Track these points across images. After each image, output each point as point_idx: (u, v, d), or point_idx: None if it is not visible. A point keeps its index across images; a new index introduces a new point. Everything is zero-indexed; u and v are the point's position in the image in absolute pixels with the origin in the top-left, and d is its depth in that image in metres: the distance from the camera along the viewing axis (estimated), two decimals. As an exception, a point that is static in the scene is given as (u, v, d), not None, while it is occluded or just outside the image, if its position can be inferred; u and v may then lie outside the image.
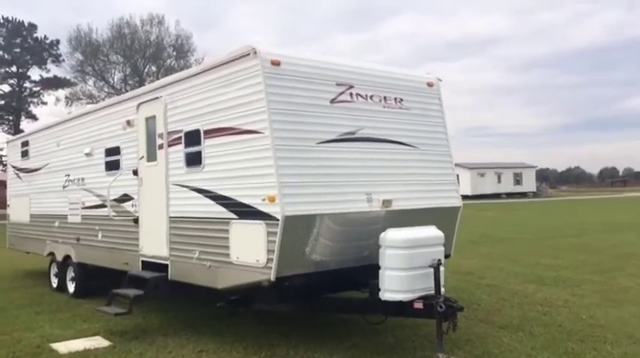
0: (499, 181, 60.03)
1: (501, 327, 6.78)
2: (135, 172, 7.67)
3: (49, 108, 54.50)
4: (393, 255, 5.40)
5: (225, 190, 6.07)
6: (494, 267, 11.42)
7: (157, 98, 7.25)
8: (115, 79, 51.18)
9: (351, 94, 6.12)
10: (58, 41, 50.53)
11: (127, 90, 51.47)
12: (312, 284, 5.92)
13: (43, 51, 51.01)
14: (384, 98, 6.39)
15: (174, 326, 7.27)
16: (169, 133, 7.00)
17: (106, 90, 50.68)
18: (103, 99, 50.39)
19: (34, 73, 51.07)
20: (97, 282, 9.34)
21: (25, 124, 50.22)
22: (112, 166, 8.34)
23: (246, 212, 5.74)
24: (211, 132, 6.28)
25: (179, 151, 6.82)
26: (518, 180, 62.13)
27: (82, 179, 9.25)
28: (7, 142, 13.10)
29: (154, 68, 51.59)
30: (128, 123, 7.86)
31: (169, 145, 7.00)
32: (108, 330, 7.17)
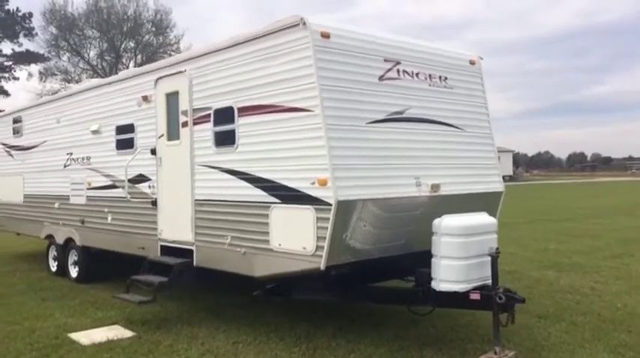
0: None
1: (540, 317, 6.57)
2: (153, 151, 7.20)
3: (22, 83, 52.77)
4: (450, 243, 5.09)
5: (263, 172, 5.67)
6: (504, 252, 11.12)
7: (180, 72, 6.76)
8: (91, 55, 49.62)
9: (398, 71, 5.75)
10: (31, 14, 48.54)
11: (103, 67, 50.12)
12: (357, 273, 5.61)
13: (15, 24, 48.91)
14: (430, 76, 6.03)
15: (197, 315, 6.89)
16: (195, 110, 6.53)
17: (81, 66, 49.19)
18: (79, 76, 49.02)
19: (6, 47, 49.16)
20: (103, 267, 8.92)
21: (-4, 100, 48.52)
22: (125, 145, 7.83)
23: (290, 196, 5.36)
24: (247, 110, 5.84)
25: (207, 130, 6.37)
26: (495, 164, 62.45)
27: (88, 158, 8.71)
28: (-5, 118, 12.34)
29: (131, 44, 50.15)
30: (144, 99, 7.36)
31: (195, 123, 6.54)
32: (126, 319, 6.77)
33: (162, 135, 7.08)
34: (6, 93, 49.33)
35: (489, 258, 5.12)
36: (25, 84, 73.67)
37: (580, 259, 10.62)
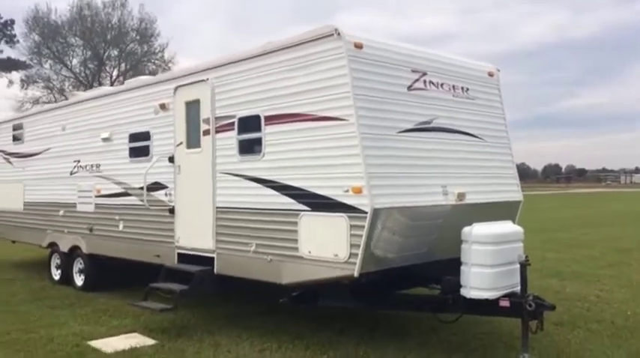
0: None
1: (556, 324, 6.68)
2: (171, 159, 7.18)
3: (2, 90, 51.89)
4: (481, 250, 5.18)
5: (292, 180, 5.71)
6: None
7: (201, 81, 6.78)
8: (74, 62, 49.01)
9: (424, 82, 5.86)
10: (12, 21, 47.86)
11: (86, 75, 49.57)
12: (384, 281, 5.66)
13: (-5, 30, 48.32)
14: (453, 87, 6.16)
15: (215, 323, 6.86)
16: (218, 119, 6.55)
17: (64, 73, 48.49)
18: (61, 83, 48.41)
19: (-14, 54, 48.35)
20: (110, 275, 8.83)
21: (-24, 106, 47.62)
22: (139, 153, 7.80)
23: (321, 204, 5.40)
24: (275, 119, 5.89)
25: (230, 138, 6.39)
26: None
27: (97, 165, 8.64)
28: (-7, 124, 12.15)
29: (115, 52, 49.69)
30: (162, 106, 7.34)
31: (217, 131, 6.56)
32: (144, 327, 6.71)
33: (180, 143, 7.08)
34: (-15, 100, 48.48)
35: (518, 266, 5.23)
36: (5, 91, 72.43)
37: (579, 268, 10.83)
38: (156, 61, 50.46)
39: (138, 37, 49.26)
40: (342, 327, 6.48)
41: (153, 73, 37.02)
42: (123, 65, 50.33)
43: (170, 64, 48.93)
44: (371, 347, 5.82)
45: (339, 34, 5.24)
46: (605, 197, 51.02)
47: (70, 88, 47.63)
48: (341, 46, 5.23)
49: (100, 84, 44.23)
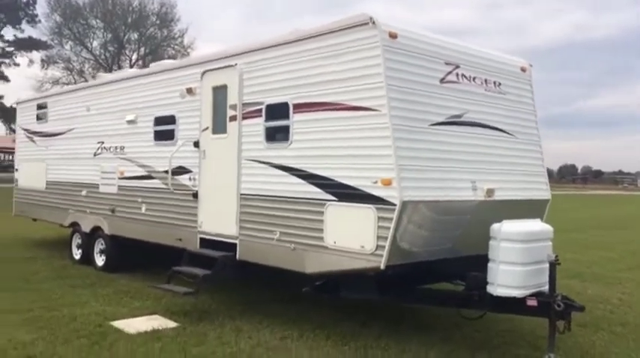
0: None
1: (580, 325, 6.57)
2: (196, 144, 7.17)
3: (22, 69, 52.25)
4: (510, 248, 5.11)
5: (319, 169, 5.67)
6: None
7: (229, 66, 6.75)
8: (94, 45, 49.24)
9: (457, 75, 5.78)
10: (34, 0, 48.22)
11: (106, 57, 49.79)
12: (409, 274, 5.62)
13: (18, 10, 48.49)
14: (485, 81, 6.06)
15: (235, 308, 6.86)
16: (245, 105, 6.52)
17: (84, 55, 48.77)
18: (81, 65, 48.70)
19: (8, 33, 48.76)
20: (130, 257, 8.88)
21: (-4, 85, 48.12)
22: (164, 136, 7.80)
23: (348, 194, 5.37)
24: (303, 107, 5.85)
25: (257, 125, 6.36)
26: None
27: (122, 147, 8.66)
28: (18, 103, 12.24)
29: (135, 36, 49.84)
30: (189, 91, 7.32)
31: (244, 118, 6.53)
32: (165, 310, 6.74)
33: (206, 128, 7.06)
34: (6, 79, 48.86)
35: (547, 265, 5.16)
36: (25, 70, 73.06)
37: (599, 270, 10.70)
38: (175, 46, 50.59)
39: (158, 22, 49.40)
40: (364, 320, 6.45)
41: (172, 58, 37.01)
42: (142, 49, 50.51)
43: (189, 50, 49.07)
44: (393, 339, 5.80)
45: (373, 22, 5.17)
46: (620, 200, 50.42)
47: (90, 69, 47.98)
48: (375, 35, 5.16)
49: (120, 67, 44.46)
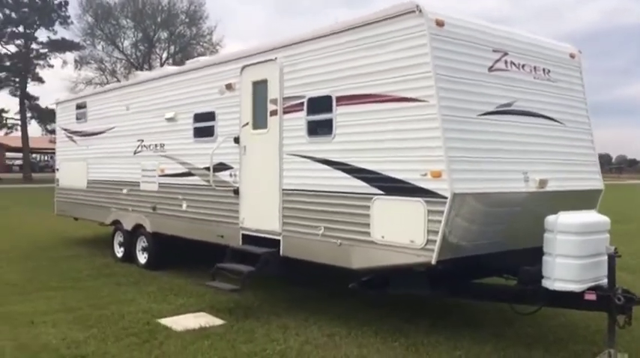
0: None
1: (635, 318, 6.35)
2: (236, 140, 7.13)
3: (56, 71, 53.30)
4: (567, 241, 4.92)
5: (365, 163, 5.56)
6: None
7: (269, 60, 6.67)
8: (125, 44, 49.92)
9: (505, 62, 5.59)
10: (67, 2, 49.12)
11: (136, 56, 50.43)
12: (459, 269, 5.48)
13: (51, 12, 49.54)
14: (534, 68, 5.86)
15: (279, 305, 6.82)
16: (286, 99, 6.45)
17: (115, 55, 49.50)
18: (113, 65, 49.44)
19: (42, 35, 49.83)
20: (172, 254, 8.93)
21: (31, 87, 49.20)
22: (204, 133, 7.79)
23: (396, 187, 5.25)
24: (347, 99, 5.74)
25: (299, 119, 6.28)
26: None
27: (161, 145, 8.69)
28: (57, 104, 12.43)
29: (165, 34, 50.34)
30: (228, 87, 7.29)
31: (285, 112, 6.46)
32: (210, 307, 6.73)
33: (247, 124, 7.01)
34: (40, 80, 49.95)
35: (605, 258, 4.96)
36: (59, 71, 74.60)
37: (634, 261, 10.33)
38: (204, 44, 50.94)
39: (187, 20, 49.77)
40: (409, 316, 6.33)
41: (201, 56, 37.32)
42: (172, 47, 51.00)
43: (218, 47, 49.35)
44: (443, 336, 5.67)
45: (420, 10, 5.03)
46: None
47: (122, 69, 48.68)
48: (422, 24, 5.02)
49: (150, 66, 44.99)
